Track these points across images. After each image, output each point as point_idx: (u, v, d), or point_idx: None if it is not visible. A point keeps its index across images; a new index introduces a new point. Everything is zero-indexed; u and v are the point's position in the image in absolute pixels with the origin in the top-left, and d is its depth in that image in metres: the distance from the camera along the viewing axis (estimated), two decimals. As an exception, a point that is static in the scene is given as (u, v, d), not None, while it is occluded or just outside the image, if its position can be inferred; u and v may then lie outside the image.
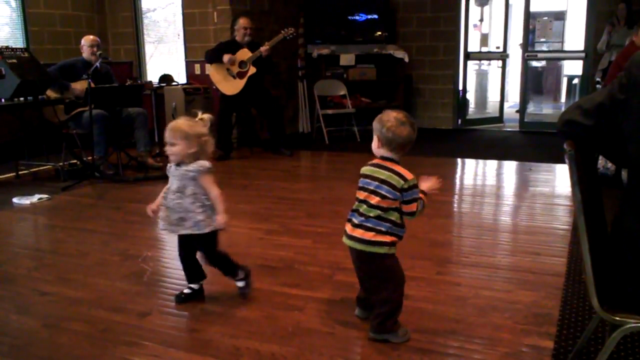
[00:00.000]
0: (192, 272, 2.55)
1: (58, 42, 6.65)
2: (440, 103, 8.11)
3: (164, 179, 2.54)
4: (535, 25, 8.08)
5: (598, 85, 6.21)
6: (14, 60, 4.60)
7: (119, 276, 2.86)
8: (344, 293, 2.56)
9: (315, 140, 7.10)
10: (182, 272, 2.56)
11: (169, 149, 2.36)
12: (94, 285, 2.76)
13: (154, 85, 6.39)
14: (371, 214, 2.04)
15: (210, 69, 5.96)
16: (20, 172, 5.24)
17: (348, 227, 2.12)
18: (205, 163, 2.37)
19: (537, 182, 4.88)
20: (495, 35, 8.61)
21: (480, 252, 3.13)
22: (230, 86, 5.82)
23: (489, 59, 9.04)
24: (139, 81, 6.59)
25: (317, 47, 7.48)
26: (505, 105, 8.84)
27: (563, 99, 9.22)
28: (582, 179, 1.45)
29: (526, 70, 7.93)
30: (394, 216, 2.04)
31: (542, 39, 8.38)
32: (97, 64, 5.13)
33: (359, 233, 2.06)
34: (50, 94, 5.05)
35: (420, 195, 2.06)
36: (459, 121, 8.23)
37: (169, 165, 2.45)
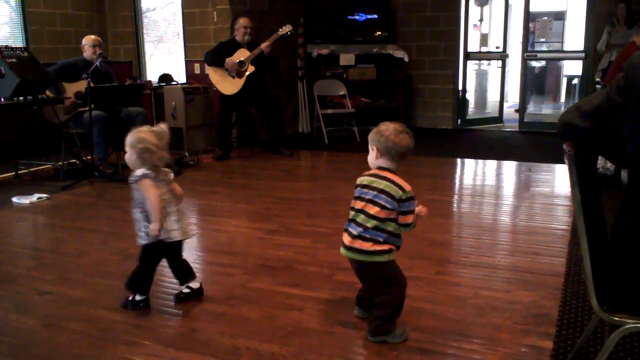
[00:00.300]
0: (180, 273, 2.54)
1: (58, 42, 6.65)
2: (440, 103, 8.11)
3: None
4: (535, 26, 8.07)
5: (598, 86, 6.21)
6: (14, 60, 4.58)
7: (119, 275, 2.85)
8: (343, 293, 2.56)
9: (315, 140, 7.10)
10: (182, 272, 2.56)
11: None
12: (93, 285, 2.77)
13: (154, 85, 6.38)
14: (369, 225, 2.04)
15: (209, 69, 5.96)
16: (19, 172, 5.24)
17: (346, 239, 2.12)
18: (138, 171, 2.30)
19: (536, 182, 4.88)
20: (495, 35, 8.61)
21: (480, 252, 3.13)
22: (229, 85, 5.82)
23: (489, 59, 9.04)
24: (139, 81, 6.58)
25: (316, 47, 7.46)
26: (505, 105, 8.85)
27: (563, 99, 9.21)
28: (581, 179, 1.46)
29: (526, 70, 7.94)
30: (391, 227, 2.06)
31: (542, 39, 8.38)
32: (97, 63, 5.13)
33: (358, 244, 2.07)
34: (49, 94, 5.04)
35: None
36: (459, 121, 8.23)
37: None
